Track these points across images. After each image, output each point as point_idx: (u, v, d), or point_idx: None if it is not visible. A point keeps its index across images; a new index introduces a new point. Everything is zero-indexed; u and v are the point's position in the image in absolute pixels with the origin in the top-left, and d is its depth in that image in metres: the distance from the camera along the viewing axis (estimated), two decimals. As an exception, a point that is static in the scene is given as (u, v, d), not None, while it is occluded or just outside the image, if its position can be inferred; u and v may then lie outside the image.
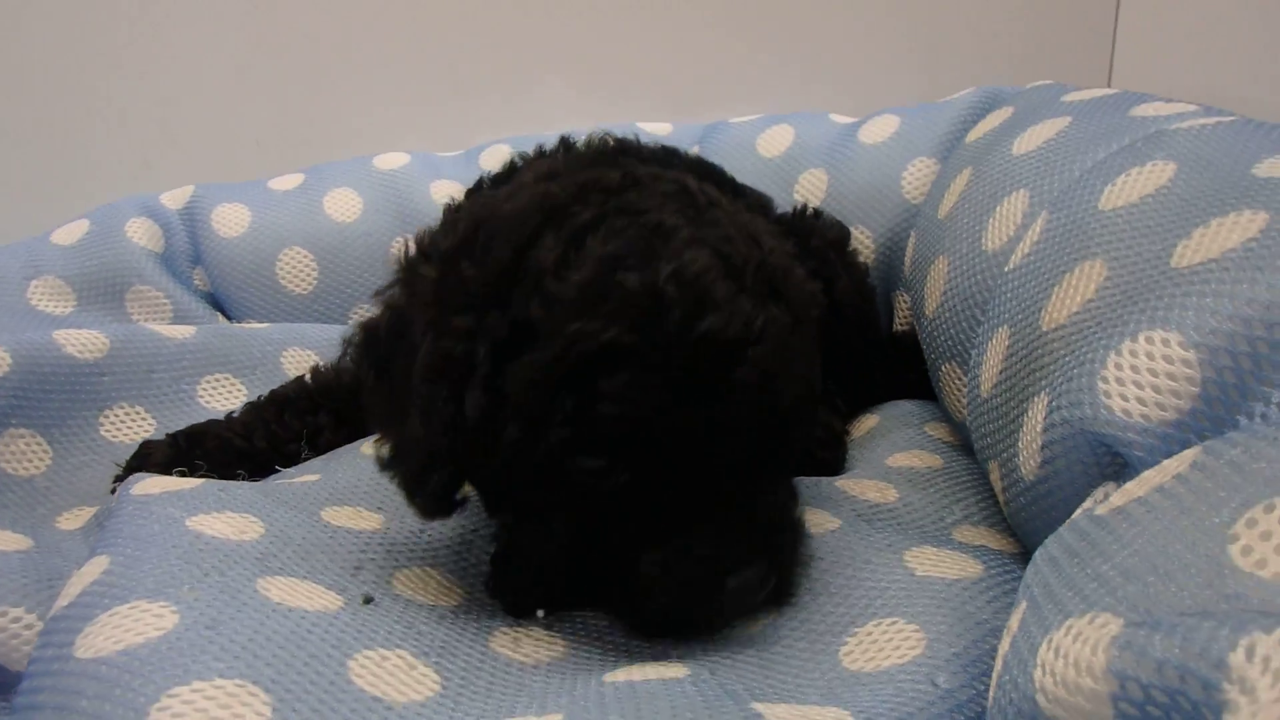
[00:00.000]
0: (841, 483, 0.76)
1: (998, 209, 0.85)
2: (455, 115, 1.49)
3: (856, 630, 0.54)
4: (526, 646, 0.56)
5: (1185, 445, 0.48)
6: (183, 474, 0.73)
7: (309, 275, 1.23)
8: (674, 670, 0.50)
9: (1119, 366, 0.52)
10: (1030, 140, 0.89)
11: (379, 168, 1.31)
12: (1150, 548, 0.37)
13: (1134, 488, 0.43)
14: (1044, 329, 0.64)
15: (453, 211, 0.71)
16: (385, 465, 0.58)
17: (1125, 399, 0.51)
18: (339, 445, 0.85)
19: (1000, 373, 0.70)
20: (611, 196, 0.56)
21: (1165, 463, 0.44)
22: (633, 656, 0.54)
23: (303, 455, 0.82)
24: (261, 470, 0.78)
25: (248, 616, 0.48)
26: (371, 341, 0.60)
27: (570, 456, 0.51)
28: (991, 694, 0.42)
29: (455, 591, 0.63)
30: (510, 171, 0.79)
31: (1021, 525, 0.62)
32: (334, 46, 1.48)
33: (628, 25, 1.48)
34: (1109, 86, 0.97)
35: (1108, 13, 1.41)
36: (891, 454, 0.86)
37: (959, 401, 0.85)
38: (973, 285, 0.83)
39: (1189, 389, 0.49)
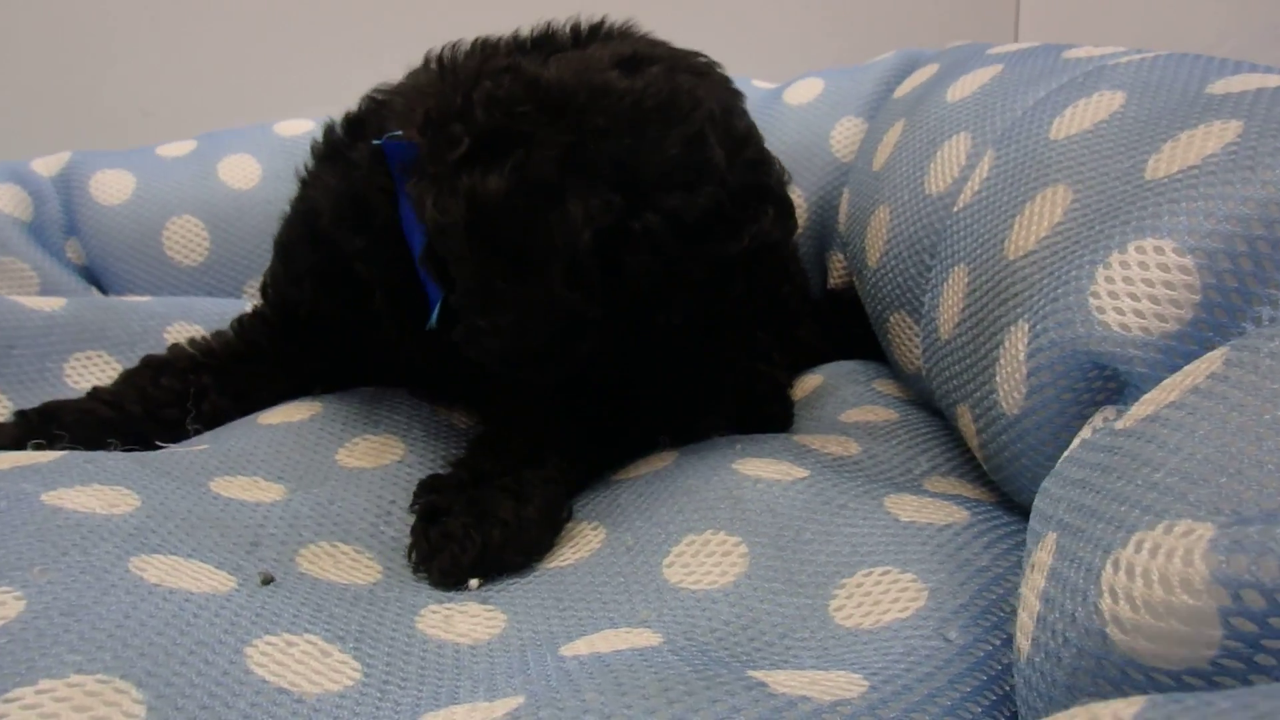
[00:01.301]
0: (798, 438, 0.70)
1: (938, 153, 0.81)
2: (362, 82, 1.40)
3: (844, 581, 0.48)
4: (461, 624, 0.48)
5: (1190, 357, 0.44)
6: (40, 447, 0.62)
7: (199, 246, 1.11)
8: (644, 637, 0.43)
9: (1110, 280, 0.48)
10: (964, 87, 0.85)
11: (281, 134, 1.21)
12: (1206, 449, 0.32)
13: (1159, 395, 0.38)
14: (1010, 258, 0.59)
15: (478, 63, 0.64)
16: (494, 335, 0.59)
17: (1121, 312, 0.46)
18: (226, 415, 0.75)
19: (962, 311, 0.65)
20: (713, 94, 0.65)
21: (1190, 366, 0.39)
22: (586, 624, 0.47)
23: (188, 427, 0.72)
24: (137, 443, 0.68)
25: (115, 600, 0.39)
26: (482, 199, 0.57)
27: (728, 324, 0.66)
28: (1026, 641, 0.36)
29: (371, 568, 0.55)
30: (546, 39, 0.69)
31: (1003, 466, 0.57)
32: (229, 8, 1.37)
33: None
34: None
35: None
36: (843, 411, 0.81)
37: (911, 352, 0.80)
38: (919, 230, 0.79)
39: (1189, 296, 0.44)
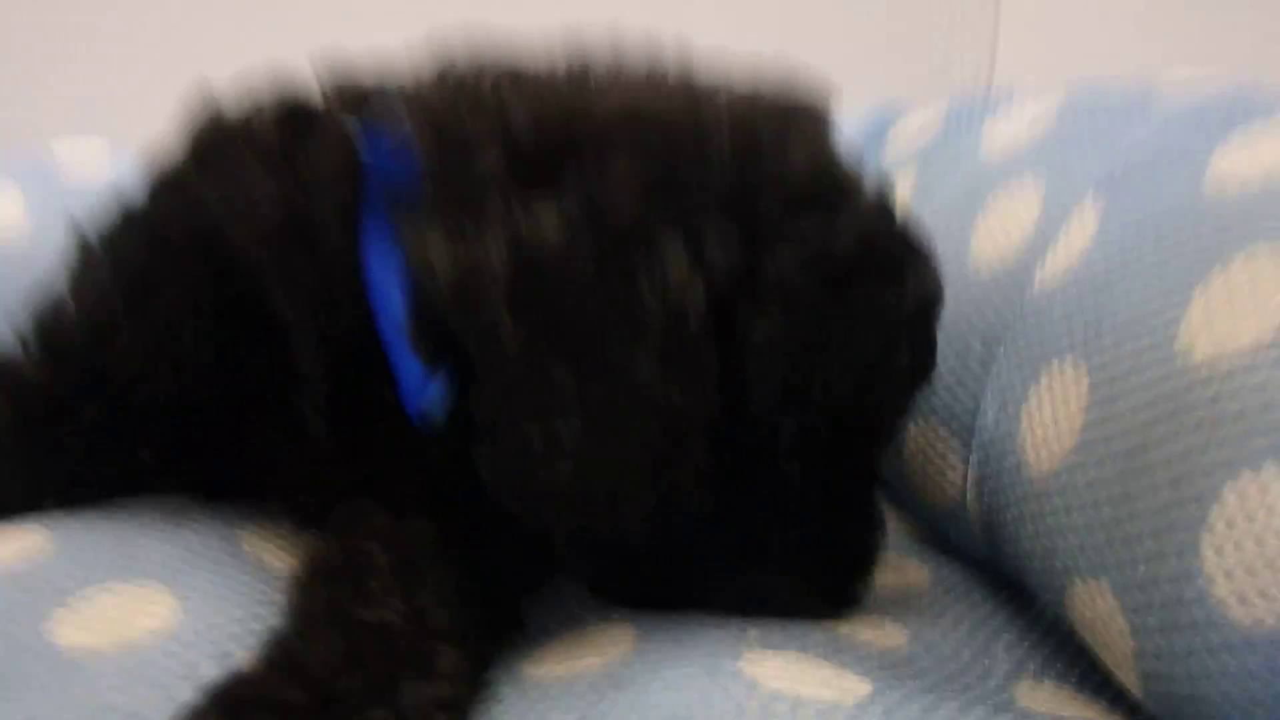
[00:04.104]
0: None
1: (988, 208, 0.60)
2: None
3: None
4: None
5: None
6: None
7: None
8: None
9: None
10: (1010, 128, 0.65)
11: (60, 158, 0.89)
12: None
13: None
14: (1197, 360, 0.37)
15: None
16: (552, 454, 0.38)
17: None
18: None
19: (1084, 431, 0.42)
20: None
21: None
22: None
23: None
24: None
25: None
26: (534, 247, 0.39)
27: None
28: None
29: None
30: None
31: (1207, 700, 0.34)
32: None
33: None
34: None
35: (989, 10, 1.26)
36: (851, 563, 0.56)
37: (944, 478, 0.57)
38: (965, 312, 0.56)
39: None
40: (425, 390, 0.42)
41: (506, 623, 0.44)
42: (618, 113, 0.43)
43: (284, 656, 0.36)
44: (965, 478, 0.55)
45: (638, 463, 0.39)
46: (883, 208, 0.47)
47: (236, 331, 0.47)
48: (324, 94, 0.51)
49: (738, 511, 0.45)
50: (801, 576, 0.46)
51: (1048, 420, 0.46)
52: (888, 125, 0.89)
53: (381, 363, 0.44)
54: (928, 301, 0.46)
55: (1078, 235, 0.50)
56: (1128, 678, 0.40)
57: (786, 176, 0.42)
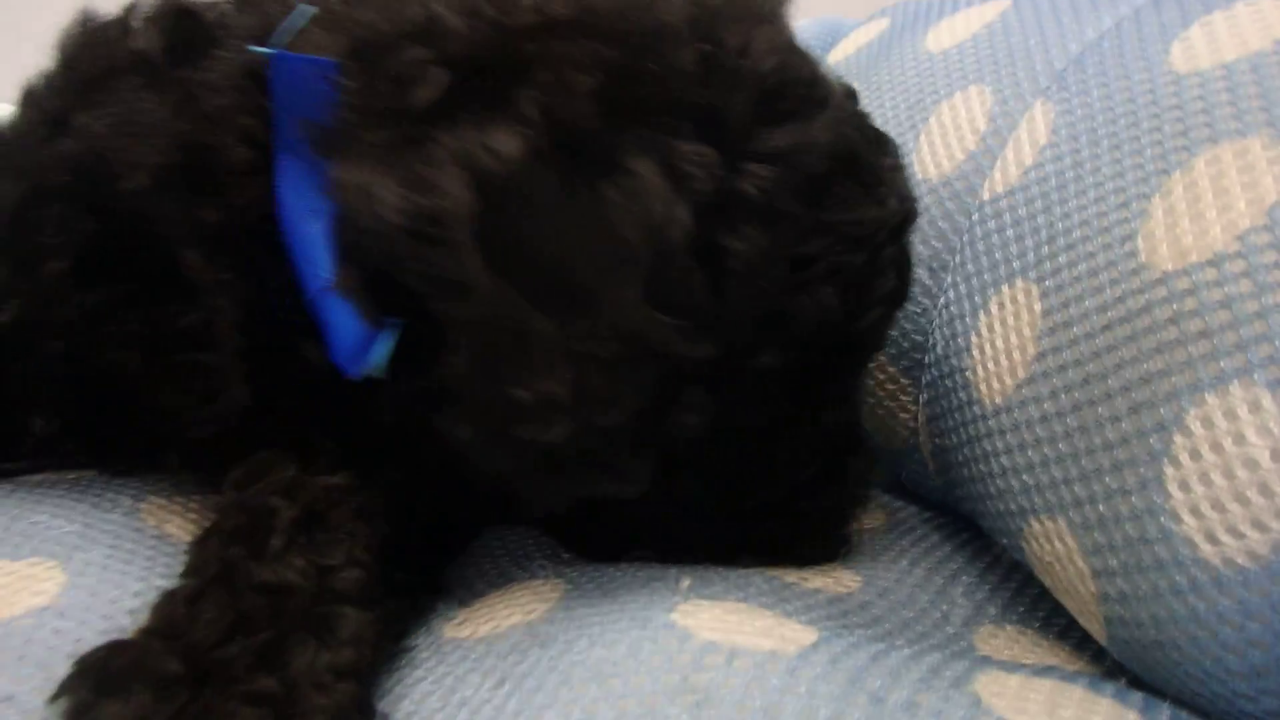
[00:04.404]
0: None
1: (932, 120, 0.55)
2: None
3: None
4: None
5: None
6: None
7: None
8: None
9: None
10: (954, 31, 0.60)
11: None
12: None
13: None
14: (1168, 269, 0.33)
15: None
16: (549, 415, 0.33)
17: None
18: None
19: (1039, 360, 0.39)
20: None
21: None
22: None
23: None
24: None
25: None
26: (497, 172, 0.32)
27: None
28: None
29: None
30: None
31: (1178, 646, 0.31)
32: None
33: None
34: None
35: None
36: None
37: (896, 417, 0.54)
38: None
39: None
40: (367, 349, 0.37)
41: (430, 584, 0.41)
42: (566, 11, 0.37)
43: (166, 623, 0.33)
44: (917, 416, 0.52)
45: (638, 414, 0.35)
46: (852, 109, 0.43)
47: (131, 287, 0.42)
48: (220, 6, 0.44)
49: (729, 454, 0.42)
50: (793, 517, 0.44)
51: (999, 349, 0.42)
52: (831, 44, 0.84)
53: (302, 317, 0.39)
54: (907, 215, 0.42)
55: (1028, 145, 0.46)
56: (1091, 623, 0.37)
57: (755, 78, 0.38)
